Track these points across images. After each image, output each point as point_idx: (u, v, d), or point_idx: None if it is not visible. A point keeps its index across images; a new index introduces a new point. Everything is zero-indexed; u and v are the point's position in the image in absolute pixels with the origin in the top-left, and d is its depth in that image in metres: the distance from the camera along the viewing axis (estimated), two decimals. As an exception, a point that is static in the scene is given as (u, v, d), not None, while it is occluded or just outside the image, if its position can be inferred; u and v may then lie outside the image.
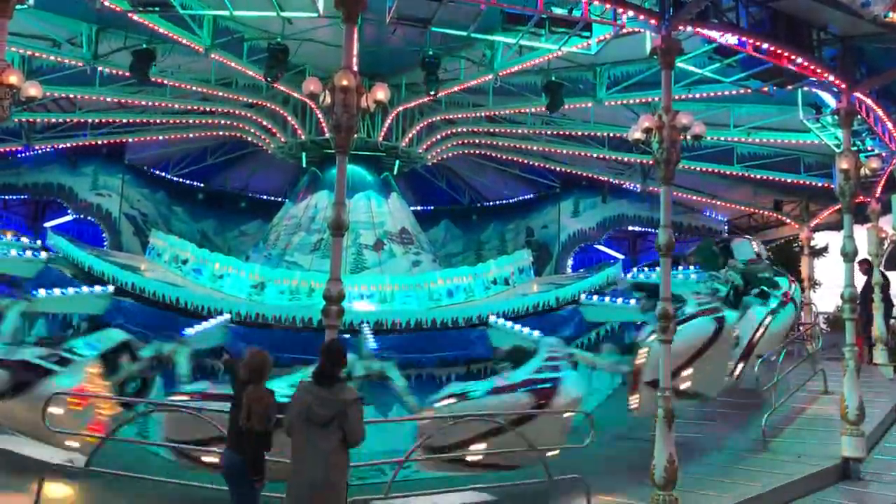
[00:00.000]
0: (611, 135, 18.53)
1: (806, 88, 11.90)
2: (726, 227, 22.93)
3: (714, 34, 9.99)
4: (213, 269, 16.03)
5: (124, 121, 19.24)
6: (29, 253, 15.09)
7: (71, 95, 17.43)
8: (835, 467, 9.73)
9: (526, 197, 24.42)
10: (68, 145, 20.18)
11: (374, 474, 8.88)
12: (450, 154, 20.71)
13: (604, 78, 15.83)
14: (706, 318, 10.94)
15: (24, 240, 15.81)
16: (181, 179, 23.35)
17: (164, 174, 23.02)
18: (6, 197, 21.37)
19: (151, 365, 10.45)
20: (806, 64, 10.32)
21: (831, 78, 10.64)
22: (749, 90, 12.36)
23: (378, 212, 18.18)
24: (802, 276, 20.23)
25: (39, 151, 20.26)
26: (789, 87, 11.60)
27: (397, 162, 18.63)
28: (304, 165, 19.05)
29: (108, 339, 10.21)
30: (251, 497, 6.25)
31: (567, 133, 19.08)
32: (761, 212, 22.24)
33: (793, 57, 10.19)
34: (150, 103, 18.08)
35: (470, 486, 8.54)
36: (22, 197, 21.45)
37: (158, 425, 9.12)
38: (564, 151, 20.28)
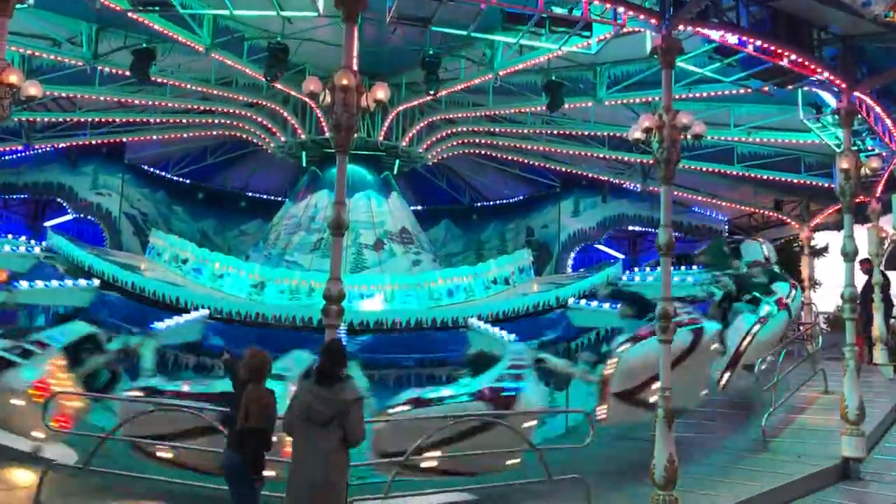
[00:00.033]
0: (611, 134, 18.51)
1: (806, 88, 11.87)
2: (726, 227, 22.94)
3: (714, 33, 9.98)
4: (213, 269, 16.07)
5: (124, 120, 19.24)
6: (22, 248, 15.11)
7: (71, 95, 17.43)
8: (835, 467, 9.71)
9: (526, 196, 24.41)
10: (68, 144, 20.18)
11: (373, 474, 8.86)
12: (450, 153, 20.71)
13: (604, 77, 15.83)
14: (681, 329, 10.37)
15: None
16: (181, 179, 23.35)
17: (164, 173, 23.01)
18: (6, 196, 21.36)
19: (118, 358, 10.39)
20: (806, 63, 10.31)
21: (832, 77, 10.62)
22: (749, 90, 12.33)
23: (378, 211, 18.19)
24: (803, 276, 20.24)
25: (39, 151, 20.23)
26: (789, 87, 11.58)
27: (397, 161, 18.63)
28: (304, 165, 19.06)
29: (72, 332, 10.20)
30: (251, 497, 6.24)
31: (567, 133, 19.08)
32: (762, 211, 22.24)
33: (793, 56, 10.18)
34: (150, 103, 18.09)
35: (466, 486, 8.52)
36: (22, 196, 21.44)
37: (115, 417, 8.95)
38: (565, 151, 20.27)
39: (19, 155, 20.32)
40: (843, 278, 10.50)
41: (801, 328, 16.10)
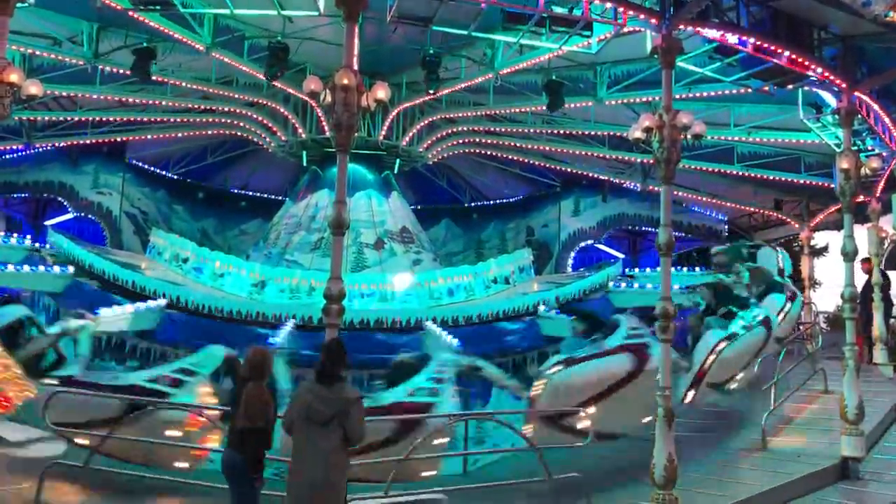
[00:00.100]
0: (611, 134, 18.51)
1: (806, 88, 11.88)
2: (726, 227, 22.94)
3: (714, 33, 9.99)
4: (213, 268, 16.09)
5: (125, 119, 19.26)
6: (13, 240, 15.10)
7: (72, 94, 17.45)
8: (834, 467, 9.71)
9: (526, 196, 24.42)
10: (69, 143, 20.20)
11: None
12: (450, 153, 20.72)
13: (604, 77, 15.84)
14: (622, 355, 10.05)
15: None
16: (182, 178, 23.38)
17: (164, 173, 23.04)
18: (7, 195, 21.39)
19: (56, 340, 10.31)
20: (806, 63, 10.32)
21: (832, 77, 10.62)
22: (749, 89, 12.34)
23: (378, 210, 18.21)
24: (803, 276, 20.23)
25: (40, 150, 20.27)
26: (789, 87, 11.57)
27: (398, 161, 18.65)
28: (305, 164, 19.07)
29: (8, 315, 10.21)
30: (251, 496, 6.24)
31: (567, 132, 19.08)
32: (762, 211, 22.24)
33: (793, 56, 10.18)
34: (150, 102, 18.11)
35: (461, 486, 8.50)
36: (23, 195, 21.50)
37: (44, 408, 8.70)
38: (565, 150, 20.28)
39: (20, 154, 20.37)
40: (843, 278, 10.50)
41: (801, 328, 16.09)
